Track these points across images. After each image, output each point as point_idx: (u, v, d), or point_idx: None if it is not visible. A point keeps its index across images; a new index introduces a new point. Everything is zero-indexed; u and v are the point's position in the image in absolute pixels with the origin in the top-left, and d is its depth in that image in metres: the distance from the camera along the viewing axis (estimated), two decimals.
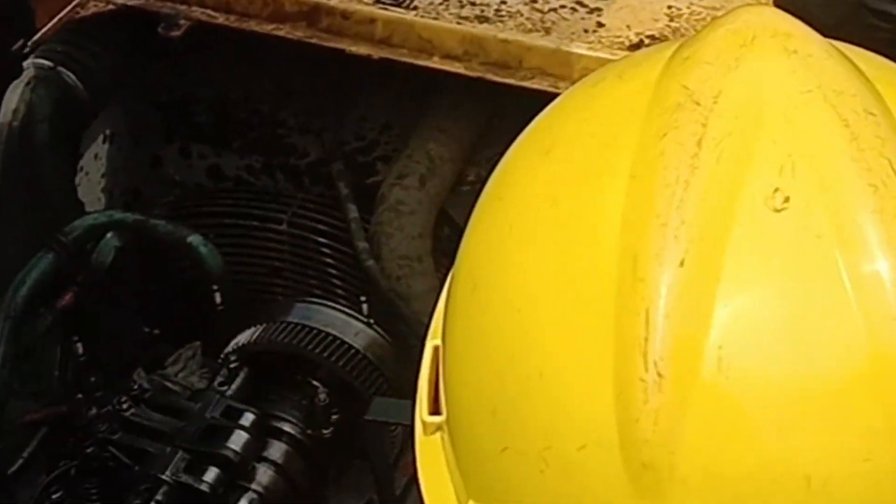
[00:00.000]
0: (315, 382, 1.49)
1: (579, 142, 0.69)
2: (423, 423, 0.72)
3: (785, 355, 0.59)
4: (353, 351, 1.51)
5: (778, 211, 0.60)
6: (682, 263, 0.59)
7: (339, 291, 1.69)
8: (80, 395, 1.52)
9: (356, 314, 1.55)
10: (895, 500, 0.60)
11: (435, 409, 0.72)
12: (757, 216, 0.60)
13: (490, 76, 1.49)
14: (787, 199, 0.60)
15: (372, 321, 1.55)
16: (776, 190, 0.60)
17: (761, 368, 0.59)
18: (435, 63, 1.52)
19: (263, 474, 1.44)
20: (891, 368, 0.58)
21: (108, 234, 1.64)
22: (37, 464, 1.51)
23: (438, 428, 0.71)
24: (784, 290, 0.60)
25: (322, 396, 1.44)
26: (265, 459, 1.45)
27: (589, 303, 0.62)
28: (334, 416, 1.46)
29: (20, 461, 1.50)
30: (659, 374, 0.58)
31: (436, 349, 0.73)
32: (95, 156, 1.85)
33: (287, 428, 1.47)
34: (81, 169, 1.81)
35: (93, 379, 1.54)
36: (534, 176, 0.70)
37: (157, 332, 1.79)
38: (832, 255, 0.59)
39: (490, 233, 0.71)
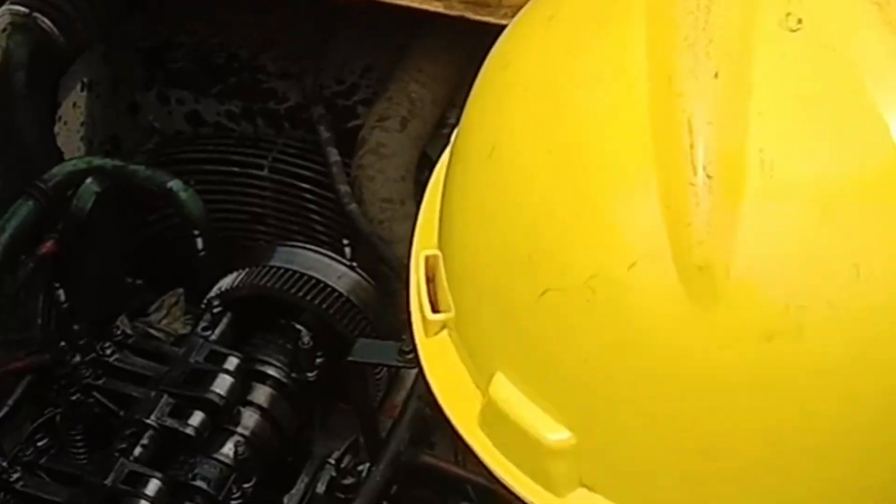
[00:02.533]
0: (298, 326, 1.48)
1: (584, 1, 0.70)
2: (427, 322, 0.73)
3: (821, 153, 0.62)
4: (336, 294, 1.51)
5: (793, 31, 0.63)
6: (716, 76, 0.62)
7: (322, 235, 1.68)
8: (63, 343, 1.51)
9: (339, 257, 1.55)
10: None
11: (435, 311, 0.73)
12: (775, 37, 0.64)
13: (470, 15, 1.48)
14: (799, 21, 0.63)
15: (355, 264, 1.54)
16: (788, 14, 0.63)
17: (802, 167, 0.61)
18: (414, 3, 1.51)
19: (249, 418, 1.44)
20: None
21: (88, 181, 1.63)
22: (21, 412, 1.51)
23: (443, 326, 0.72)
24: (811, 96, 0.63)
25: (306, 340, 1.44)
26: (250, 403, 1.45)
27: (626, 126, 0.64)
28: (318, 360, 1.46)
29: (5, 409, 1.50)
30: (708, 177, 0.60)
31: (428, 258, 0.74)
32: (74, 104, 1.84)
33: (271, 371, 1.46)
34: (60, 118, 1.80)
35: (76, 327, 1.53)
36: (543, 38, 0.71)
37: (139, 281, 1.79)
38: (848, 64, 0.63)
39: (502, 98, 0.70)
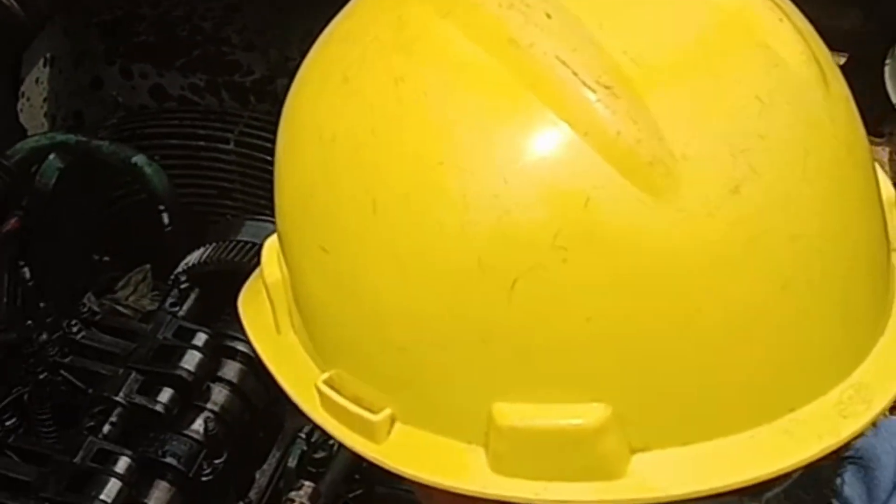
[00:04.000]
0: None
1: None
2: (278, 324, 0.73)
3: (666, 35, 0.64)
4: None
5: None
6: (548, 16, 0.63)
7: None
8: (29, 321, 1.49)
9: None
10: None
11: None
12: None
13: None
14: None
15: None
16: None
17: (660, 52, 0.63)
18: None
19: (218, 394, 1.43)
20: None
21: (51, 156, 1.61)
22: None
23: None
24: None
25: None
26: (220, 379, 1.44)
27: (506, 94, 0.63)
28: None
29: None
30: (606, 87, 0.61)
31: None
32: (36, 80, 1.82)
33: (241, 347, 1.45)
34: (23, 95, 1.78)
35: (42, 304, 1.51)
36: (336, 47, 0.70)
37: (105, 258, 1.77)
38: None
39: (326, 85, 0.68)
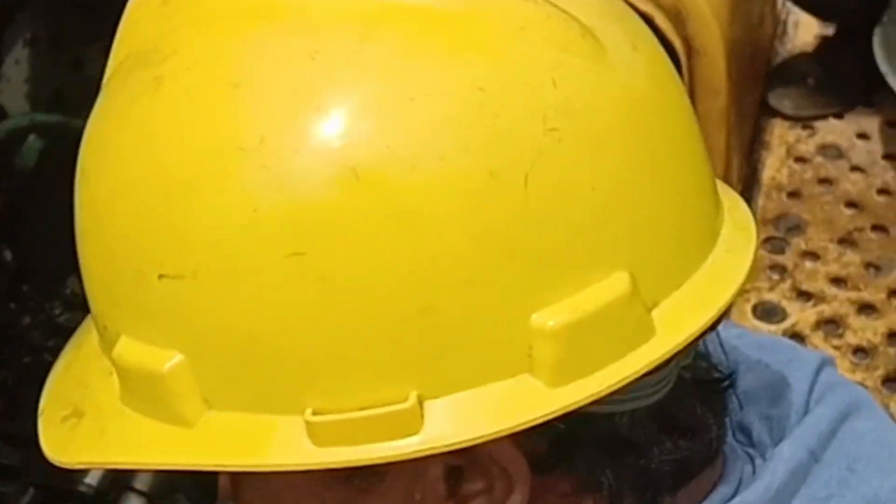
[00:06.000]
0: None
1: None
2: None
3: None
4: None
5: None
6: None
7: None
8: (12, 305, 1.48)
9: None
10: None
11: None
12: None
13: None
14: None
15: None
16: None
17: None
18: None
19: None
20: None
21: (31, 137, 1.60)
22: None
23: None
24: None
25: None
26: None
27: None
28: None
29: None
30: None
31: None
32: (16, 61, 1.80)
33: None
34: (3, 76, 1.76)
35: (25, 287, 1.50)
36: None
37: None
38: None
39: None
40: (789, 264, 2.31)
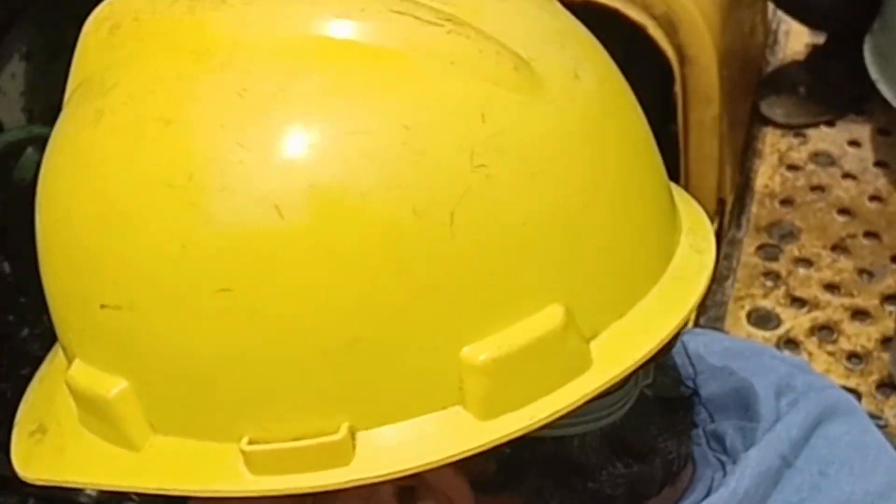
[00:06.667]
0: None
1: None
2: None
3: None
4: None
5: None
6: None
7: None
8: (11, 317, 1.49)
9: None
10: None
11: None
12: None
13: None
14: None
15: None
16: None
17: None
18: None
19: None
20: None
21: (29, 150, 1.60)
22: None
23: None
24: None
25: None
26: None
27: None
28: None
29: None
30: None
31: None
32: (13, 75, 1.80)
33: None
34: (0, 89, 1.77)
35: (23, 300, 1.50)
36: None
37: None
38: None
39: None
40: (783, 271, 2.32)
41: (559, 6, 0.71)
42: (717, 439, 0.81)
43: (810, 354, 2.10)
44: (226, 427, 0.63)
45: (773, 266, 2.32)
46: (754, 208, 2.47)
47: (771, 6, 2.78)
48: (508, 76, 0.63)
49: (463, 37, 0.63)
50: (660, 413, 0.72)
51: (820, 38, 2.84)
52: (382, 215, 0.60)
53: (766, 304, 2.22)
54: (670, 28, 1.94)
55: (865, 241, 2.37)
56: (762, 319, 2.19)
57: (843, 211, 2.46)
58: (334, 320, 0.61)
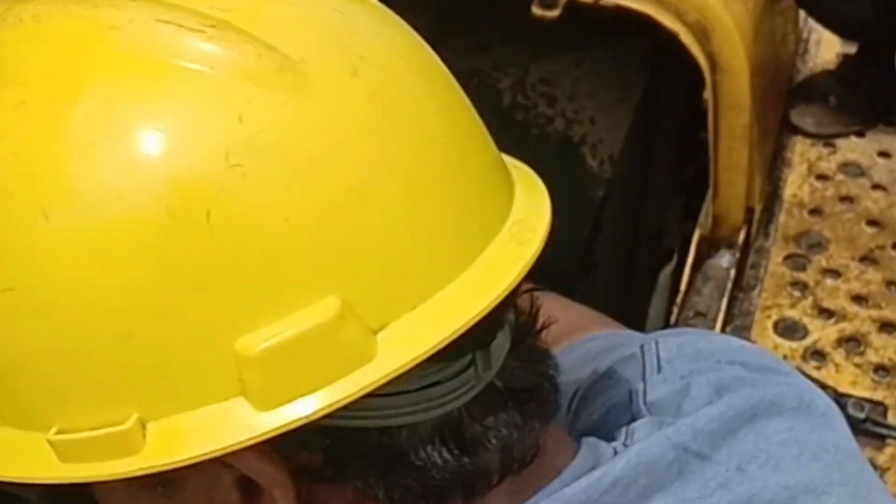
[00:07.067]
0: None
1: None
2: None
3: None
4: None
5: None
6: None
7: None
8: None
9: None
10: None
11: None
12: None
13: None
14: None
15: None
16: None
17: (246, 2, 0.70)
18: None
19: None
20: None
21: None
22: None
23: None
24: None
25: None
26: None
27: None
28: None
29: None
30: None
31: None
32: None
33: None
34: None
35: None
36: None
37: None
38: None
39: None
40: (811, 281, 2.31)
41: (371, 5, 0.74)
42: (631, 435, 0.81)
43: (837, 366, 2.09)
44: (38, 417, 0.68)
45: (801, 276, 2.31)
46: (782, 218, 2.46)
47: (802, 15, 2.77)
48: (270, 77, 0.65)
49: (224, 41, 0.66)
50: (506, 404, 0.72)
51: (851, 48, 2.83)
52: (138, 216, 0.64)
53: (793, 314, 2.22)
54: (703, 35, 1.94)
55: (894, 253, 2.36)
56: (789, 330, 2.18)
57: (872, 222, 2.45)
58: (105, 318, 0.64)
